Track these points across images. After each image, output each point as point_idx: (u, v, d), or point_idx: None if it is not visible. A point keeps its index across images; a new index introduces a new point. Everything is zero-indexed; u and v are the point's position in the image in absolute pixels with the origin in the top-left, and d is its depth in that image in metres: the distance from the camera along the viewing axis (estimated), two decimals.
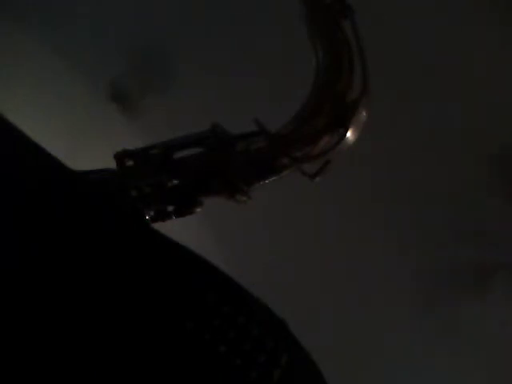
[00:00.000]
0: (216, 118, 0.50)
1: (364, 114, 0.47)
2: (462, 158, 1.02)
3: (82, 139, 1.17)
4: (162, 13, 1.13)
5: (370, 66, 0.48)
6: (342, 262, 1.09)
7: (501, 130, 0.99)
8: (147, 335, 0.37)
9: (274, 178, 0.49)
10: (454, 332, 1.04)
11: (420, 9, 0.99)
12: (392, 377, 1.07)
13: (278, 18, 0.92)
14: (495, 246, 1.01)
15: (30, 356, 0.34)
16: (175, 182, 0.49)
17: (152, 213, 0.51)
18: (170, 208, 0.51)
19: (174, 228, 0.47)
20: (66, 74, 1.17)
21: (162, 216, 0.51)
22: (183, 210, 0.51)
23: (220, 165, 0.49)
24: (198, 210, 0.51)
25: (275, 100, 0.96)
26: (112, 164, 0.51)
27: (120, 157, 0.52)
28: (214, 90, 1.09)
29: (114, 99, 1.19)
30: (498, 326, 1.01)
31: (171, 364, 0.36)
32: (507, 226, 1.00)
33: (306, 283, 1.10)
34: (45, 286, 0.36)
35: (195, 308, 0.39)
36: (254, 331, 0.39)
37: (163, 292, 0.39)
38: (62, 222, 0.39)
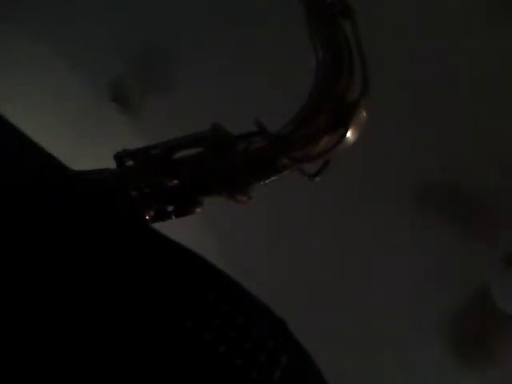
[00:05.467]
0: (216, 118, 0.50)
1: (364, 114, 0.47)
2: (464, 155, 1.02)
3: (82, 139, 1.17)
4: (162, 13, 1.13)
5: (370, 66, 0.48)
6: (341, 261, 1.09)
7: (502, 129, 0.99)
8: (147, 335, 0.37)
9: (274, 178, 0.49)
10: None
11: (420, 9, 0.99)
12: (392, 377, 1.07)
13: (278, 18, 0.93)
14: None
15: (30, 355, 0.34)
16: (175, 181, 0.49)
17: (152, 213, 0.51)
18: (170, 208, 0.51)
19: (173, 228, 0.47)
20: (66, 73, 1.17)
21: (162, 216, 0.51)
22: (183, 209, 0.51)
23: (220, 165, 0.49)
24: (198, 210, 0.51)
25: (275, 100, 0.97)
26: (112, 164, 0.51)
27: (120, 157, 0.52)
28: (214, 90, 1.09)
29: (113, 99, 1.19)
30: None
31: (171, 364, 0.36)
32: None
33: (306, 283, 1.10)
34: (45, 287, 0.36)
35: (195, 308, 0.39)
36: (254, 331, 0.39)
37: (163, 292, 0.39)
38: (62, 222, 0.39)
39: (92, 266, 0.38)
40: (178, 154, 0.51)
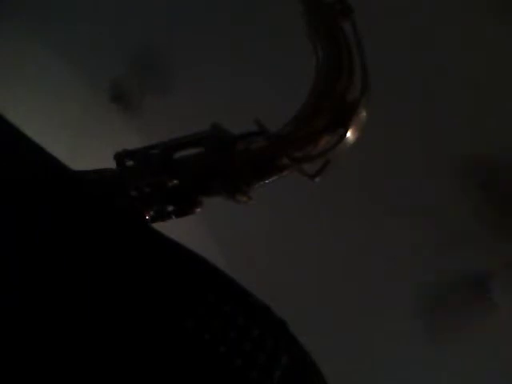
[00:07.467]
0: (216, 118, 0.50)
1: (364, 113, 0.47)
2: (465, 157, 1.02)
3: (82, 139, 1.17)
4: (162, 13, 1.13)
5: (370, 66, 0.48)
6: (341, 262, 1.09)
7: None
8: (147, 335, 0.37)
9: (274, 178, 0.49)
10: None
11: (420, 9, 0.99)
12: (392, 376, 1.08)
13: (277, 18, 0.93)
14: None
15: (30, 356, 0.34)
16: (175, 181, 0.49)
17: (152, 213, 0.51)
18: (170, 208, 0.51)
19: (173, 228, 0.47)
20: (66, 73, 1.17)
21: (162, 216, 0.51)
22: (183, 209, 0.51)
23: (220, 165, 0.49)
24: (198, 210, 0.51)
25: (275, 100, 0.97)
26: (112, 164, 0.51)
27: (120, 157, 0.52)
28: (214, 90, 1.09)
29: (113, 99, 1.19)
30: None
31: (171, 364, 0.36)
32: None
33: (306, 283, 1.10)
34: (45, 286, 0.36)
35: (195, 308, 0.39)
36: (254, 331, 0.39)
37: (163, 292, 0.39)
38: (62, 222, 0.39)
39: (92, 265, 0.38)
40: (178, 154, 0.51)
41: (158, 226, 0.48)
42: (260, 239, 1.13)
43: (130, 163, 0.52)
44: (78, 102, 1.18)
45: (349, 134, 0.47)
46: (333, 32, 0.49)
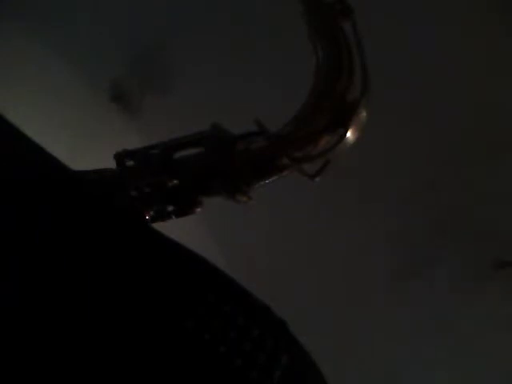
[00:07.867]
0: (216, 118, 0.50)
1: (364, 113, 0.47)
2: (464, 157, 1.02)
3: (82, 139, 1.17)
4: (162, 13, 1.13)
5: (370, 66, 0.47)
6: (341, 262, 1.09)
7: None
8: (147, 335, 0.37)
9: (274, 178, 0.49)
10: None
11: (420, 9, 0.99)
12: (392, 376, 1.08)
13: (277, 18, 0.93)
14: None
15: (30, 356, 0.34)
16: (175, 181, 0.49)
17: (152, 213, 0.51)
18: (170, 208, 0.51)
19: (174, 228, 0.47)
20: (66, 73, 1.17)
21: (162, 216, 0.51)
22: (183, 209, 0.51)
23: (220, 165, 0.49)
24: (198, 210, 0.51)
25: (275, 100, 0.97)
26: (112, 164, 0.51)
27: (120, 157, 0.52)
28: (214, 89, 1.09)
29: (114, 99, 1.19)
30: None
31: (171, 364, 0.36)
32: None
33: (306, 283, 1.10)
34: (45, 286, 0.36)
35: (195, 308, 0.39)
36: (254, 331, 0.39)
37: (163, 292, 0.39)
38: (62, 222, 0.39)
39: (92, 265, 0.38)
40: (178, 154, 0.51)
41: (158, 226, 0.48)
42: (260, 239, 1.13)
43: (130, 163, 0.52)
44: (78, 101, 1.18)
45: (349, 134, 0.47)
46: (333, 32, 0.49)
